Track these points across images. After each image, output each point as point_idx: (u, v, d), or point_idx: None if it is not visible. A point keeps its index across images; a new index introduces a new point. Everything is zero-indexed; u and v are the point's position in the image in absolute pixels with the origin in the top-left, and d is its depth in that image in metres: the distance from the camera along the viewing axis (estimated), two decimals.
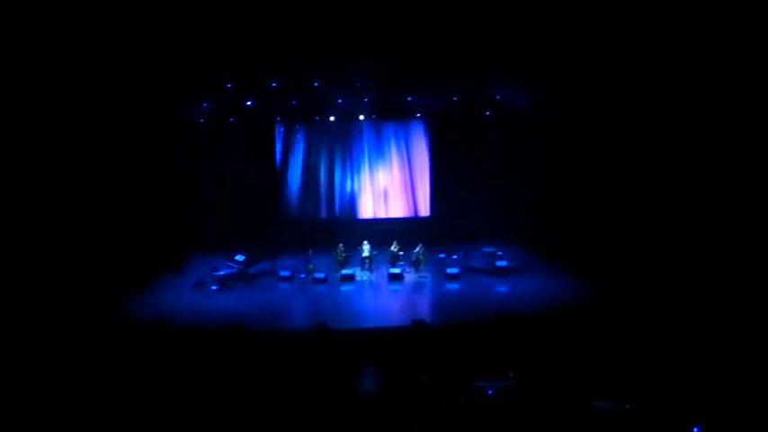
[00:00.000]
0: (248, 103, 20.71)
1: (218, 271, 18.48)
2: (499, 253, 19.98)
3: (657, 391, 7.07)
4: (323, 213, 23.30)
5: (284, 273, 19.03)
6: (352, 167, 23.11)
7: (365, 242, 19.69)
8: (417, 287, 18.44)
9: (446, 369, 8.03)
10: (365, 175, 23.17)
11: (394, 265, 19.25)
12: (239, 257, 19.12)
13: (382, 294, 18.03)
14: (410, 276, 19.12)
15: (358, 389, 7.20)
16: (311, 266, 19.08)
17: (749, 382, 7.85)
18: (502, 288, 18.00)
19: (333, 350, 10.77)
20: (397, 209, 23.39)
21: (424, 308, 17.07)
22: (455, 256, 19.76)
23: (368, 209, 23.32)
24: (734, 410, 6.57)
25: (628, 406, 6.37)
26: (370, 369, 7.71)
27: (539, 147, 20.99)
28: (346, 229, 21.76)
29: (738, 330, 10.58)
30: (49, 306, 13.46)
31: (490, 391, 6.86)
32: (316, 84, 20.02)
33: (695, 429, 5.89)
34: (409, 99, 21.53)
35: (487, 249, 20.13)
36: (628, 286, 14.95)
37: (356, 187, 23.20)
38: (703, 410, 6.20)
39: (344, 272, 18.97)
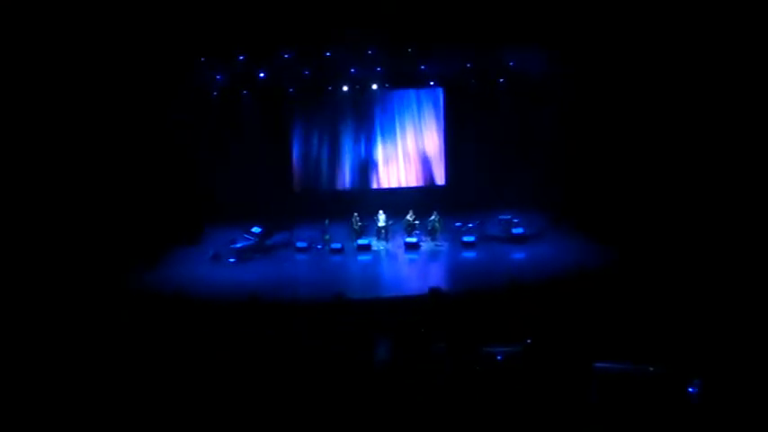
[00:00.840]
0: (261, 75, 20.68)
1: (235, 243, 18.60)
2: (515, 220, 19.88)
3: (662, 352, 7.08)
4: (338, 184, 23.32)
5: (301, 244, 19.11)
6: (366, 137, 23.00)
7: (381, 212, 19.65)
8: (434, 256, 18.48)
9: (462, 336, 8.07)
10: (379, 145, 23.07)
11: (410, 235, 19.24)
12: (256, 229, 19.22)
13: (399, 263, 18.11)
14: (426, 245, 19.14)
15: (374, 358, 7.27)
16: (327, 237, 19.15)
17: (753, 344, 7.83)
18: (518, 255, 17.98)
19: (350, 320, 10.86)
20: (412, 178, 23.32)
21: (440, 276, 17.11)
22: (471, 224, 19.70)
23: (383, 178, 23.27)
24: (733, 371, 6.56)
25: (630, 367, 6.38)
26: (386, 338, 7.77)
27: (553, 113, 20.72)
28: (361, 199, 21.77)
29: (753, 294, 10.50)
30: (66, 279, 13.64)
31: (499, 357, 6.89)
32: (327, 53, 19.89)
33: (691, 390, 5.91)
34: (422, 67, 21.31)
35: (503, 217, 20.04)
36: (643, 251, 14.88)
37: (370, 157, 23.13)
38: (702, 370, 6.20)
39: (361, 242, 19.01)
